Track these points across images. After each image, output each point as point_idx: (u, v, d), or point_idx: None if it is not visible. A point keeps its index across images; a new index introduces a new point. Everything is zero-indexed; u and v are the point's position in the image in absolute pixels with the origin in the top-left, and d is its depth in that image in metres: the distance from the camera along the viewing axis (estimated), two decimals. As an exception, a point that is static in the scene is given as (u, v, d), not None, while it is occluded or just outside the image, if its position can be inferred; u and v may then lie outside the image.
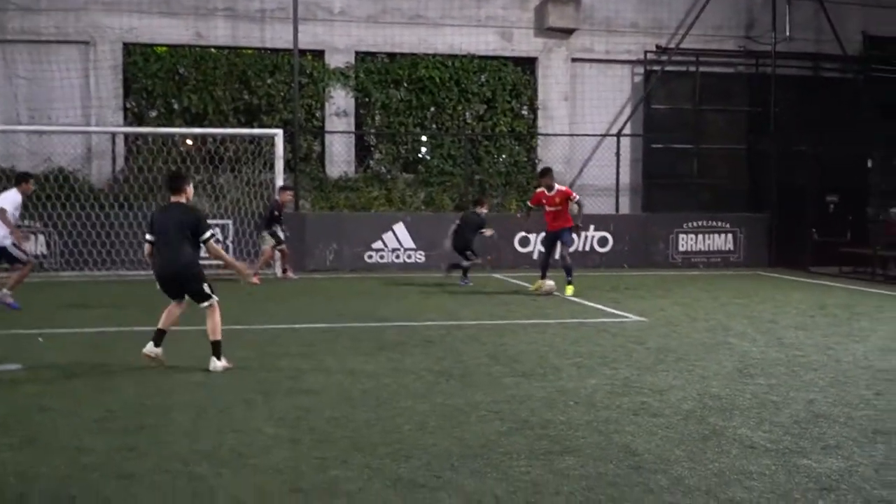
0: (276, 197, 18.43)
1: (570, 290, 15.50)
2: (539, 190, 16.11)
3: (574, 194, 15.96)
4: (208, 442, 6.44)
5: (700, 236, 22.04)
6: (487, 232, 17.39)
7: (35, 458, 6.06)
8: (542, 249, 17.04)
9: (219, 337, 9.10)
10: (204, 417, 7.14)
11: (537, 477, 5.68)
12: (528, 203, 16.62)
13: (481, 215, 17.29)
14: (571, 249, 16.12)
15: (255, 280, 16.92)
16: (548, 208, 15.74)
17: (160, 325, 9.27)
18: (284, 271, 18.58)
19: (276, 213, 18.03)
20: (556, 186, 15.84)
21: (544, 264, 16.03)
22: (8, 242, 13.32)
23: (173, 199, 9.40)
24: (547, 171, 16.14)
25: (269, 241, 18.06)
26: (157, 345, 9.15)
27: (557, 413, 7.30)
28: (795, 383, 8.53)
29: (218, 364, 9.00)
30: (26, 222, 18.93)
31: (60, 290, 16.19)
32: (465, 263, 17.16)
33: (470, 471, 5.81)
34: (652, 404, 7.62)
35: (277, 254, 18.37)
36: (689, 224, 22.08)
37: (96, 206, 19.15)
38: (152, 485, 5.54)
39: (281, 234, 18.26)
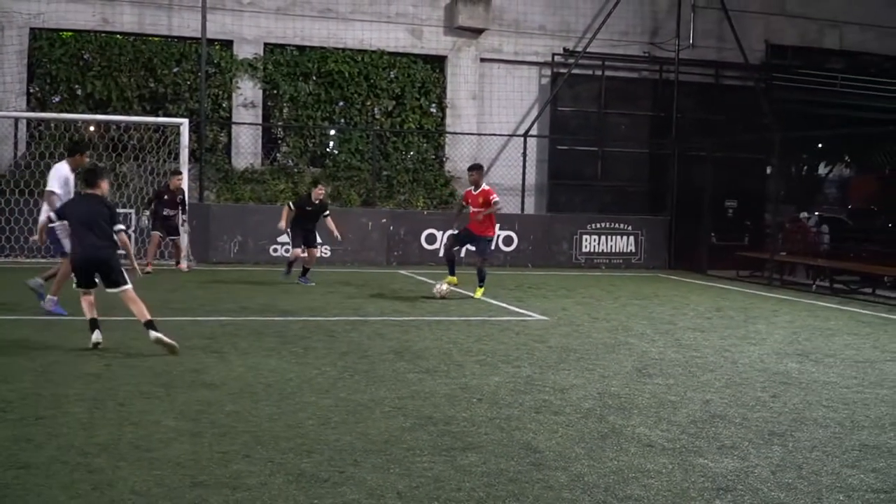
0: (167, 181, 18.11)
1: (479, 291, 14.97)
2: (468, 189, 15.28)
3: (495, 197, 14.73)
4: (106, 434, 6.30)
5: (603, 237, 22.41)
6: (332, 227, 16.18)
7: (-76, 450, 5.86)
8: (447, 244, 16.16)
9: (149, 316, 9.38)
10: (102, 409, 6.98)
11: (440, 473, 5.71)
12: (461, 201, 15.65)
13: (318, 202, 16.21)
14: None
15: (148, 269, 16.71)
16: (472, 209, 14.91)
17: (92, 316, 9.53)
18: (177, 263, 18.25)
19: (166, 196, 17.71)
20: (483, 186, 14.89)
21: (451, 259, 15.20)
22: (57, 224, 11.18)
23: (88, 191, 9.55)
24: (475, 167, 15.25)
25: (143, 216, 17.93)
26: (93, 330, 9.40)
27: (460, 410, 7.34)
28: (693, 383, 8.75)
29: (155, 335, 9.24)
30: None
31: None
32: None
33: (373, 466, 5.80)
34: (553, 402, 7.72)
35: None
36: (593, 225, 22.42)
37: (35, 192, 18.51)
38: (51, 475, 5.40)
39: (180, 224, 17.98)
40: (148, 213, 17.84)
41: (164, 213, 17.67)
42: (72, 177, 11.77)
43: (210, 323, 11.52)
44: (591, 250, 22.37)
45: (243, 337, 10.50)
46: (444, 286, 14.67)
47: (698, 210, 22.14)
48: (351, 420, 6.91)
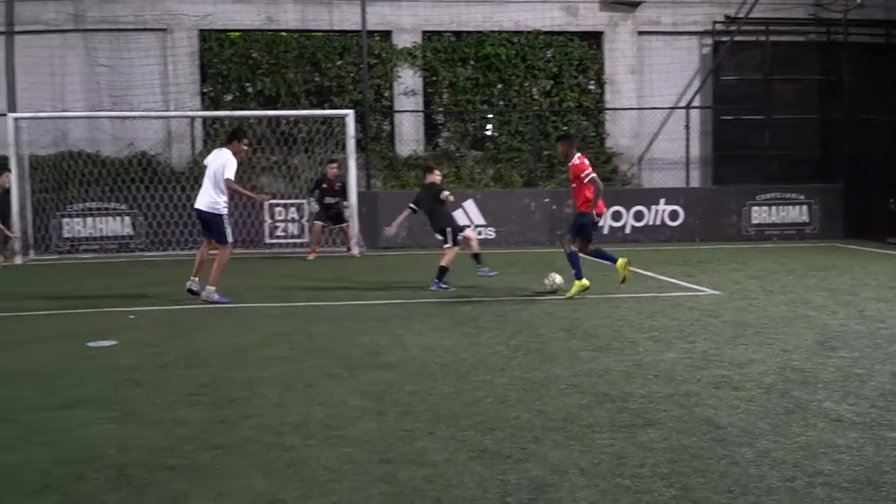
0: (324, 171, 18.51)
1: (575, 287, 12.35)
2: None
3: (587, 170, 12.23)
4: (297, 414, 6.55)
5: (773, 208, 21.63)
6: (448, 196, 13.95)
7: (133, 430, 6.22)
8: None
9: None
10: (291, 391, 7.25)
11: (621, 449, 5.66)
12: None
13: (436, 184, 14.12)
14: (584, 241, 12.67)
15: (311, 257, 17.23)
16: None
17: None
18: (349, 249, 18.60)
19: (324, 185, 18.08)
20: (574, 159, 12.38)
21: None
22: (224, 210, 11.96)
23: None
24: (559, 138, 13.55)
25: (312, 207, 18.26)
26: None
27: (637, 387, 7.26)
28: (879, 356, 8.35)
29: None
30: (112, 204, 19.44)
31: (147, 270, 16.52)
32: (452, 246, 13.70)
33: (553, 443, 5.81)
34: (733, 378, 7.53)
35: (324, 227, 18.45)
36: (762, 196, 21.67)
37: (178, 188, 19.47)
38: (246, 454, 5.65)
39: (345, 212, 18.39)
40: (314, 201, 18.17)
41: (326, 201, 18.10)
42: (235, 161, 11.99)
43: (383, 306, 11.77)
44: (762, 222, 21.63)
45: (416, 318, 10.68)
46: (557, 278, 12.85)
47: (873, 176, 21.06)
48: (528, 398, 6.94)
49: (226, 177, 11.86)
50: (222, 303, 11.92)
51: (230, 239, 12.13)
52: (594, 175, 12.24)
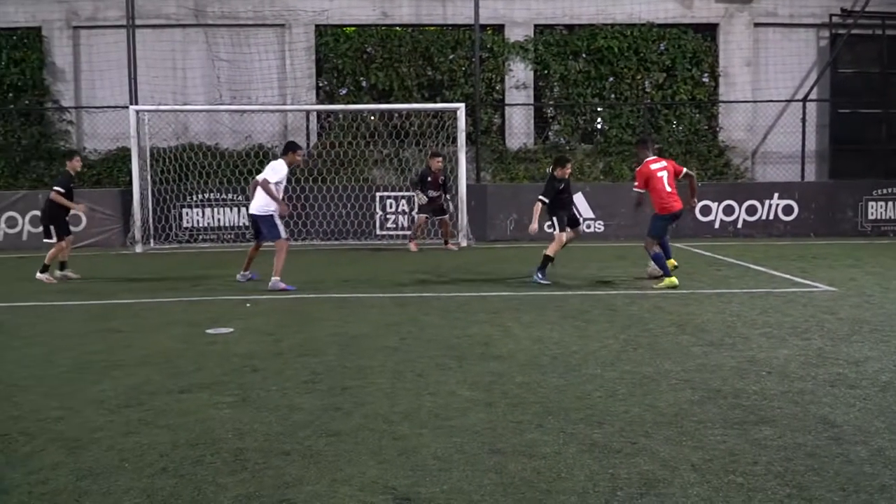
0: (428, 163, 18.46)
1: (664, 283, 12.48)
2: None
3: (637, 180, 13.06)
4: (407, 403, 6.62)
5: (891, 203, 20.82)
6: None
7: (249, 415, 6.38)
8: None
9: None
10: (402, 380, 7.33)
11: (733, 446, 5.56)
12: None
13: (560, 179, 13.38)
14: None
15: (413, 248, 17.61)
16: None
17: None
18: (446, 242, 18.56)
19: (429, 178, 18.06)
20: (645, 161, 12.98)
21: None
22: (273, 210, 12.65)
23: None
24: (637, 142, 13.83)
25: (420, 199, 18.17)
26: None
27: (750, 383, 7.10)
28: None
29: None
30: (230, 196, 19.97)
31: (261, 260, 16.86)
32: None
33: (664, 438, 5.74)
34: (848, 375, 7.31)
35: (426, 219, 18.55)
36: (880, 191, 20.91)
37: (292, 181, 19.86)
38: (359, 442, 5.74)
39: (445, 204, 18.46)
40: (420, 194, 18.16)
41: (430, 194, 18.17)
42: (286, 171, 12.77)
43: (493, 298, 11.78)
44: (879, 217, 20.87)
45: (525, 311, 10.66)
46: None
47: None
48: (638, 392, 6.86)
49: (263, 176, 12.62)
50: (289, 290, 12.48)
51: (283, 235, 12.85)
52: (636, 188, 13.13)
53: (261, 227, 12.89)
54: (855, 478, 4.99)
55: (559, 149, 22.16)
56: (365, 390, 7.02)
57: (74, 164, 14.31)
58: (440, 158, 18.32)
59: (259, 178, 12.79)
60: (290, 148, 13.03)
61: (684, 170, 13.28)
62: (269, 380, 7.41)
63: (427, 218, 18.48)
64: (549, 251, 13.15)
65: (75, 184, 14.77)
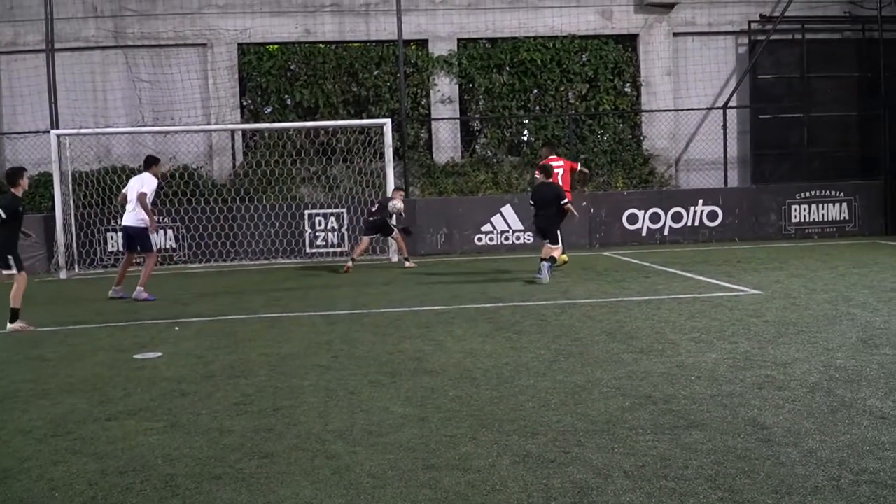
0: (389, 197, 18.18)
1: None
2: None
3: (539, 170, 15.41)
4: (341, 421, 6.57)
5: (813, 206, 21.39)
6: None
7: (179, 440, 6.27)
8: None
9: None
10: (334, 399, 7.27)
11: (665, 451, 5.62)
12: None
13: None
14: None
15: (347, 265, 17.27)
16: None
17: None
18: (407, 259, 18.18)
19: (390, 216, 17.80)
20: (548, 157, 16.37)
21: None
22: (146, 222, 13.82)
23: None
24: (544, 144, 16.76)
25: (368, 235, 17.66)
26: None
27: (679, 388, 7.20)
28: (923, 352, 8.24)
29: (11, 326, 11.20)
30: (155, 218, 19.61)
31: (189, 281, 16.68)
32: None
33: (597, 446, 5.78)
34: (776, 377, 7.45)
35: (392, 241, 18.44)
36: (802, 194, 21.44)
37: (219, 201, 19.66)
38: (292, 462, 5.67)
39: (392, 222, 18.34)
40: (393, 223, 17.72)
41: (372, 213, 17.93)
42: (156, 183, 14.06)
43: (425, 312, 11.77)
44: (802, 220, 21.39)
45: (457, 324, 10.68)
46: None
47: (916, 171, 20.79)
48: (570, 401, 6.91)
49: (140, 190, 13.64)
50: (150, 300, 13.46)
51: (154, 248, 13.97)
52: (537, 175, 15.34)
53: (135, 239, 13.88)
54: (787, 480, 5.08)
55: (487, 162, 22.29)
56: (297, 410, 6.95)
57: (24, 184, 12.12)
58: (402, 192, 18.37)
59: (128, 191, 13.84)
60: (152, 162, 14.13)
61: (578, 165, 16.85)
62: (198, 403, 7.30)
63: (371, 240, 18.18)
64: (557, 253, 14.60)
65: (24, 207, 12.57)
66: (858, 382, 7.18)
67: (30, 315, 11.75)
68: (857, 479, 5.03)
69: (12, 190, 11.84)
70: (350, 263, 17.15)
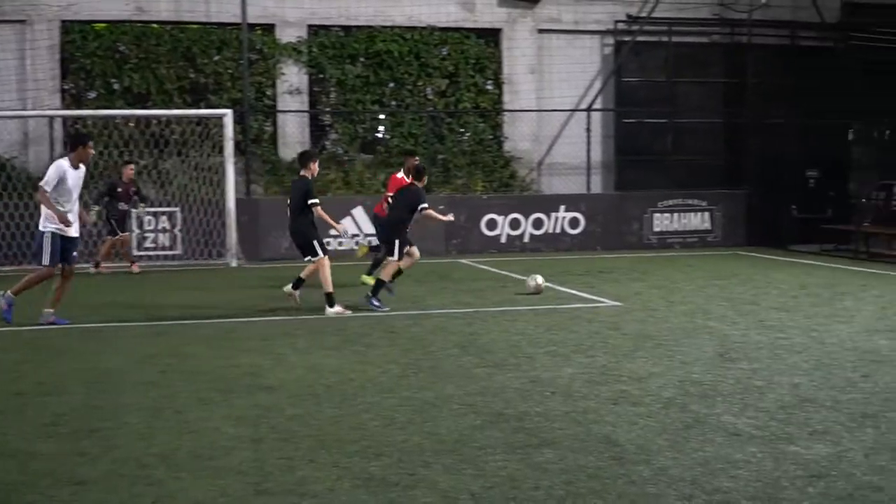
0: (119, 174, 18.00)
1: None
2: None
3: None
4: (165, 444, 6.46)
5: (675, 215, 22.21)
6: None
7: (-18, 465, 6.05)
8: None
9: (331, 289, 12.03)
10: (159, 419, 7.14)
11: (515, 471, 5.75)
12: None
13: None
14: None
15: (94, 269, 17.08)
16: None
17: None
18: (131, 263, 17.94)
19: (119, 190, 17.54)
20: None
21: None
22: (52, 226, 11.15)
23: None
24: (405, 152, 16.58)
25: (95, 214, 16.88)
26: None
27: (533, 404, 7.38)
28: (779, 367, 8.69)
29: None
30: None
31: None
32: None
33: (444, 467, 5.87)
34: (632, 392, 7.72)
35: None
36: (664, 203, 22.23)
37: (35, 195, 18.90)
38: (109, 490, 5.55)
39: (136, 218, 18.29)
40: (98, 209, 17.20)
41: (120, 207, 17.62)
42: (74, 173, 11.20)
43: (265, 323, 11.69)
44: (664, 229, 22.19)
45: (301, 336, 10.63)
46: (539, 279, 14.00)
47: (778, 182, 21.85)
48: (418, 420, 6.98)
49: (40, 184, 11.23)
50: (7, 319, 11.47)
51: (46, 262, 11.24)
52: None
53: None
54: (638, 499, 5.28)
55: (337, 160, 22.24)
56: (116, 432, 6.79)
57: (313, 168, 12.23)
58: (132, 167, 18.04)
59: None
60: (78, 141, 11.38)
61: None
62: (5, 423, 7.06)
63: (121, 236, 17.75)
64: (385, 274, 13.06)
65: None
66: (714, 398, 7.52)
67: None
68: (710, 498, 5.28)
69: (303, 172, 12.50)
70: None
